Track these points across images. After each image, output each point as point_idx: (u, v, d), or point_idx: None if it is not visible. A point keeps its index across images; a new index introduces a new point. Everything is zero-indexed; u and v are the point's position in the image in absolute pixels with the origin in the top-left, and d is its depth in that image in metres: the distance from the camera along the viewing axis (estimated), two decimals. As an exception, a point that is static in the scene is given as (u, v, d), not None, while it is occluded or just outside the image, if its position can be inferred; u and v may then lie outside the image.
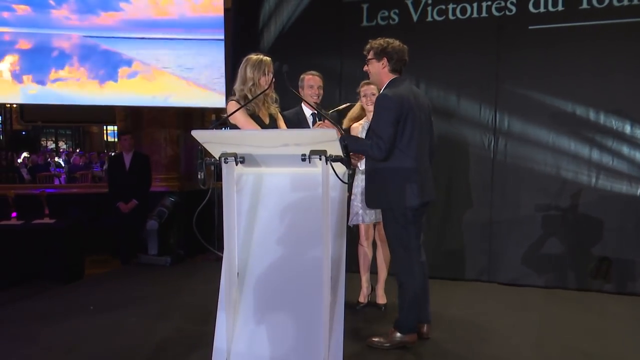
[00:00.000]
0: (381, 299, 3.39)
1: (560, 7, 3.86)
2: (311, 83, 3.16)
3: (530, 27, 3.92)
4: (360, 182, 3.24)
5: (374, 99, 3.16)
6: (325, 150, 1.78)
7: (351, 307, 3.28)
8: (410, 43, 4.15)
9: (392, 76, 2.61)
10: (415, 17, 4.24)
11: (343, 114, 3.31)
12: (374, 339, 2.69)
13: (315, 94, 3.15)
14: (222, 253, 1.98)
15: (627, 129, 3.73)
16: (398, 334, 2.65)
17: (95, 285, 4.01)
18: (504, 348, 2.73)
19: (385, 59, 2.59)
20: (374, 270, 3.43)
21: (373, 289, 3.44)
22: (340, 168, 1.85)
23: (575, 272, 3.84)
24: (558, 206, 3.87)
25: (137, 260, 4.69)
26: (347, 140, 2.41)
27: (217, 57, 4.94)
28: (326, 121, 2.74)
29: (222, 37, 4.96)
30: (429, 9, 4.20)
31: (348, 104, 3.21)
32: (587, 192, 3.80)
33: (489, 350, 2.69)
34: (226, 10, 5.02)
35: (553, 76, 3.86)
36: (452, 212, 4.14)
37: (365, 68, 2.68)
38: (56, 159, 11.60)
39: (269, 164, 1.94)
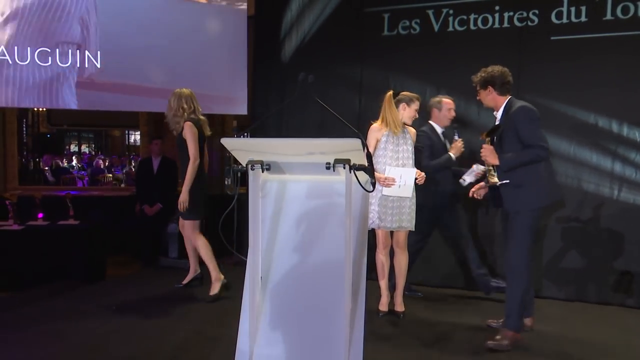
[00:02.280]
0: (400, 307, 3.40)
1: (583, 18, 3.84)
2: (450, 107, 3.70)
3: (552, 38, 3.91)
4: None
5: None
6: (349, 159, 1.82)
7: (371, 315, 3.29)
8: (431, 53, 4.26)
9: (504, 97, 2.96)
10: (436, 27, 4.27)
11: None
12: (490, 342, 2.82)
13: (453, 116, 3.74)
14: (246, 257, 2.03)
15: (651, 141, 3.69)
16: (512, 333, 2.83)
17: (117, 286, 4.10)
18: (515, 354, 2.71)
19: (489, 87, 2.95)
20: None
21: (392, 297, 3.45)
22: (363, 176, 1.88)
23: (596, 286, 3.79)
24: (579, 218, 3.83)
25: (158, 262, 4.78)
26: (504, 160, 2.80)
27: (239, 64, 5.03)
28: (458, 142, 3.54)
29: (245, 44, 5.05)
30: (450, 19, 4.22)
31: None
32: (608, 204, 3.76)
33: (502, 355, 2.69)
34: (249, 17, 5.12)
35: (575, 87, 3.84)
36: (473, 224, 4.13)
37: (478, 98, 3.09)
38: (74, 162, 11.59)
39: (294, 171, 1.98)
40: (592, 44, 3.80)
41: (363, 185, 1.86)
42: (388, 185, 3.19)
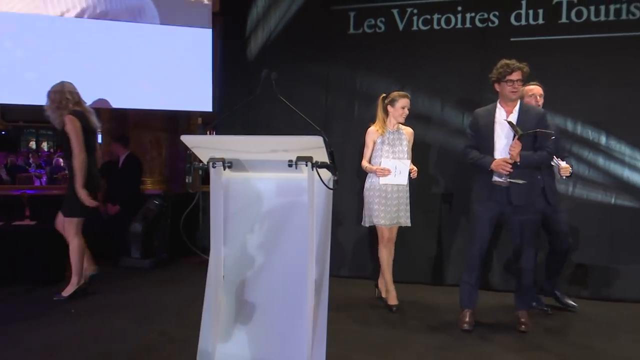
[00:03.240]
0: (394, 300, 3.50)
1: (540, 21, 3.98)
2: (531, 93, 3.36)
3: (512, 39, 4.04)
4: (372, 183, 3.41)
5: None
6: (312, 157, 1.82)
7: (349, 311, 3.37)
8: (396, 51, 4.31)
9: None
10: (401, 26, 4.32)
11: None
12: (523, 327, 3.07)
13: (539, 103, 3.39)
14: (208, 256, 2.01)
15: (603, 140, 3.87)
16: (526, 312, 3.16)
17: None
18: (485, 348, 2.80)
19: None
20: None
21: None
22: (326, 174, 1.89)
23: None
24: (536, 214, 3.97)
25: (120, 262, 4.66)
26: (525, 158, 2.94)
27: (203, 61, 4.95)
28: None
29: (210, 41, 4.97)
30: (415, 18, 4.29)
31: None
32: (563, 200, 3.88)
33: (465, 351, 2.77)
34: (214, 14, 5.04)
35: (533, 87, 3.97)
36: (430, 218, 4.21)
37: (517, 88, 3.01)
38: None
39: (256, 169, 1.97)
40: (549, 46, 3.94)
41: (326, 183, 1.87)
42: (384, 175, 3.36)
